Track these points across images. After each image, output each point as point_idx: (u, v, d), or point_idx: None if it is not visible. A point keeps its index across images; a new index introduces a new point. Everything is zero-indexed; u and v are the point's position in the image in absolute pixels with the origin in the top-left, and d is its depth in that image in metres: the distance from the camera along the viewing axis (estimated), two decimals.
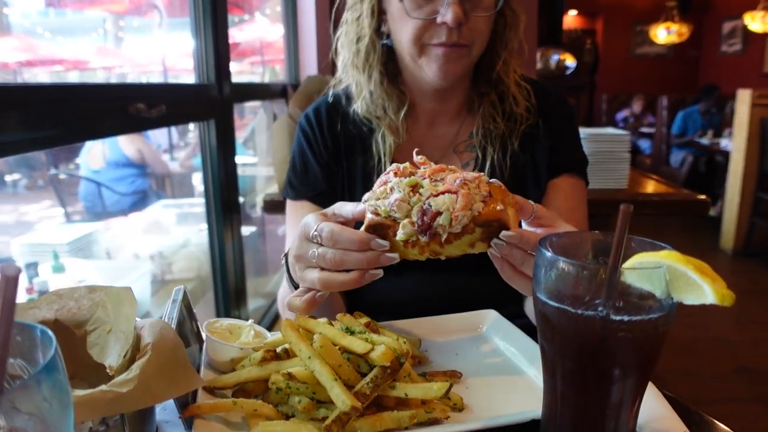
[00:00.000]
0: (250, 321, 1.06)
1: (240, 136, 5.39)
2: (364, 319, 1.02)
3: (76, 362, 0.89)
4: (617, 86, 11.72)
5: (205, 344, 1.02)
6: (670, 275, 0.66)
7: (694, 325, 5.12)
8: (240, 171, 4.25)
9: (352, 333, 0.92)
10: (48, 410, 0.45)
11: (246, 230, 4.29)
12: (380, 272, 0.96)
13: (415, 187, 0.93)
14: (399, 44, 1.40)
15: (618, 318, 0.67)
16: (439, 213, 0.89)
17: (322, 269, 0.98)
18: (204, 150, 2.80)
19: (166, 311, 0.97)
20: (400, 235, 0.91)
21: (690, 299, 0.65)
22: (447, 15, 1.28)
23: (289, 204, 1.57)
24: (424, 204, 0.90)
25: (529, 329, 1.22)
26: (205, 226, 3.01)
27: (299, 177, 1.55)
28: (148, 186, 5.66)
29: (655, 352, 0.72)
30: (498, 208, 0.89)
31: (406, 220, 0.91)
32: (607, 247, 0.73)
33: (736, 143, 6.97)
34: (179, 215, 4.00)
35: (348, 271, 0.96)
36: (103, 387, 0.68)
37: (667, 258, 0.66)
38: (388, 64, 1.48)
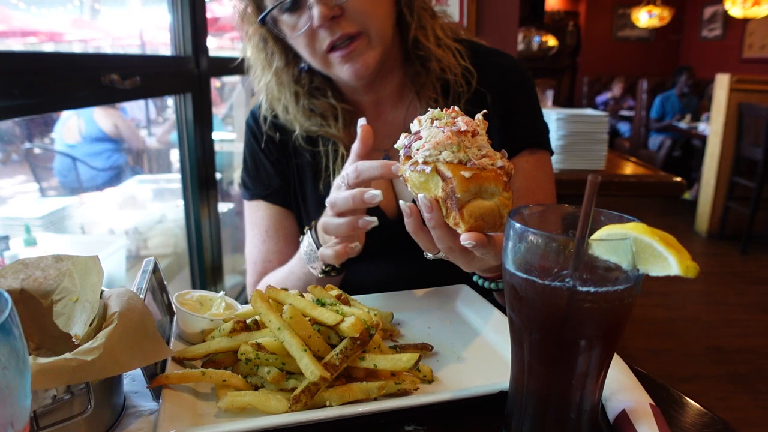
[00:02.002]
0: (222, 293, 1.06)
1: (220, 112, 5.33)
2: (335, 291, 1.02)
3: (43, 332, 0.88)
4: (599, 69, 11.76)
5: (175, 316, 1.01)
6: (636, 247, 0.66)
7: (668, 305, 5.22)
8: (218, 147, 4.20)
9: (323, 305, 0.92)
10: (2, 375, 0.44)
11: (223, 207, 4.25)
12: (373, 220, 1.03)
13: (434, 120, 0.95)
14: (311, 65, 1.36)
15: (584, 289, 0.67)
16: (419, 138, 0.91)
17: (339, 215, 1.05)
18: (180, 124, 2.76)
19: (135, 282, 0.95)
20: (397, 143, 0.95)
21: (655, 271, 0.66)
22: (314, 17, 1.22)
23: (246, 205, 1.56)
24: (421, 129, 0.93)
25: (497, 304, 1.23)
26: (181, 202, 2.98)
27: (252, 177, 1.53)
28: (124, 161, 5.57)
29: (620, 323, 0.72)
30: (463, 173, 0.86)
31: (403, 135, 0.95)
32: (577, 220, 0.74)
33: (713, 127, 7.05)
34: (156, 191, 3.95)
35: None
36: (67, 355, 0.67)
37: (634, 230, 0.66)
38: (313, 81, 1.43)
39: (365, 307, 0.97)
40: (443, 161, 0.88)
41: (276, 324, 0.84)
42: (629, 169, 3.72)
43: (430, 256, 1.02)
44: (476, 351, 1.05)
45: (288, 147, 1.49)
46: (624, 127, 10.79)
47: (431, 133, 0.90)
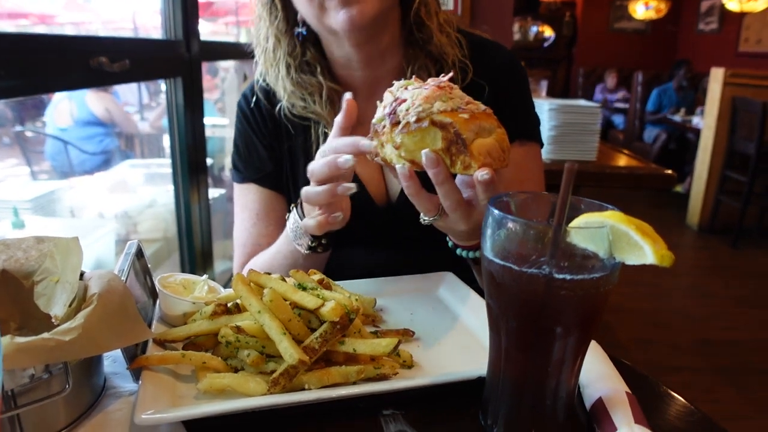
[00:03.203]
0: (205, 276, 1.06)
1: (212, 97, 5.30)
2: (317, 276, 1.02)
3: (25, 313, 0.88)
4: (595, 60, 11.75)
5: (158, 298, 1.01)
6: (612, 235, 0.67)
7: (656, 296, 5.26)
8: (209, 132, 4.19)
9: (304, 289, 0.93)
10: None
11: (214, 192, 4.25)
12: (352, 186, 1.04)
13: (406, 88, 0.97)
14: (305, 17, 1.33)
15: (561, 276, 0.68)
16: (404, 101, 0.92)
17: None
18: (171, 109, 2.75)
19: (118, 264, 0.96)
20: (375, 119, 0.96)
21: (631, 259, 0.66)
22: None
23: (236, 187, 1.55)
24: (400, 94, 0.94)
25: (482, 294, 1.24)
26: (172, 186, 2.98)
27: (244, 159, 1.52)
28: (116, 146, 5.54)
29: (597, 311, 0.73)
30: (462, 116, 0.88)
31: (381, 105, 0.96)
32: (570, 211, 0.75)
33: (707, 121, 7.06)
34: (146, 175, 3.94)
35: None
36: (45, 335, 0.68)
37: (611, 218, 0.67)
38: (306, 54, 1.42)
39: (347, 292, 0.97)
40: (437, 112, 0.89)
41: (256, 307, 0.85)
42: (621, 160, 3.73)
43: (426, 219, 1.03)
44: (457, 337, 1.06)
45: (281, 130, 1.49)
46: (618, 119, 10.80)
47: (416, 93, 0.91)
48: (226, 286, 1.08)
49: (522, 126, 1.46)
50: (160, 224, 3.26)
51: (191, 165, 3.02)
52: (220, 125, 4.74)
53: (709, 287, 5.70)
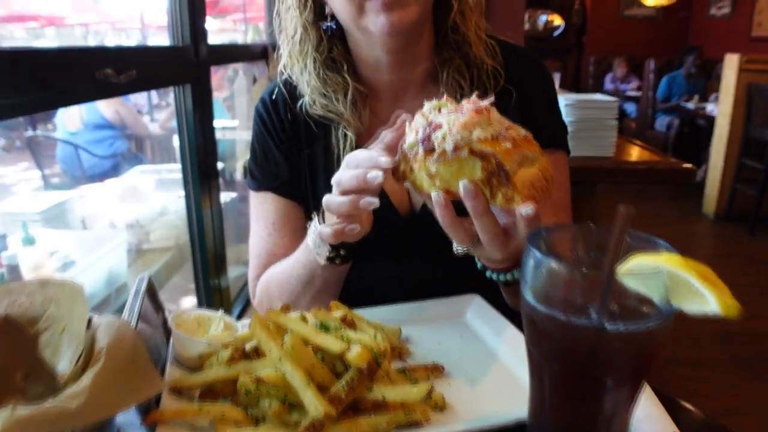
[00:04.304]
0: (220, 311, 1.00)
1: (221, 95, 5.24)
2: (340, 312, 0.96)
3: (31, 361, 0.83)
4: (605, 48, 11.57)
5: (171, 338, 0.96)
6: (670, 281, 0.60)
7: None
8: (219, 135, 4.14)
9: (327, 329, 0.87)
10: None
11: (226, 196, 4.20)
12: (375, 201, 0.98)
13: (440, 109, 0.91)
14: (339, 15, 1.28)
15: (613, 328, 0.62)
16: (439, 126, 0.86)
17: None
18: (180, 116, 2.69)
19: (128, 304, 0.90)
20: (406, 143, 0.91)
21: (691, 307, 0.60)
22: None
23: (253, 196, 1.49)
24: (434, 118, 0.89)
25: (511, 314, 1.19)
26: (183, 193, 2.93)
27: (261, 167, 1.46)
28: (127, 148, 5.52)
29: (650, 360, 0.67)
30: (505, 145, 0.82)
31: (414, 130, 0.90)
32: (602, 242, 0.68)
33: (722, 108, 6.93)
34: (157, 181, 3.89)
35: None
36: (50, 402, 0.62)
37: (668, 262, 0.60)
38: (332, 50, 1.37)
39: (372, 329, 0.91)
40: (477, 140, 0.83)
41: (277, 354, 0.79)
42: (638, 154, 3.64)
43: (460, 250, 0.98)
44: (489, 371, 1.00)
45: (300, 136, 1.43)
46: (630, 108, 10.64)
47: (452, 119, 0.85)
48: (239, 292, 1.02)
49: (550, 134, 1.41)
50: (171, 232, 3.21)
51: (202, 170, 2.97)
52: (230, 127, 4.68)
53: (727, 276, 5.38)
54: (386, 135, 0.99)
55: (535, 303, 0.66)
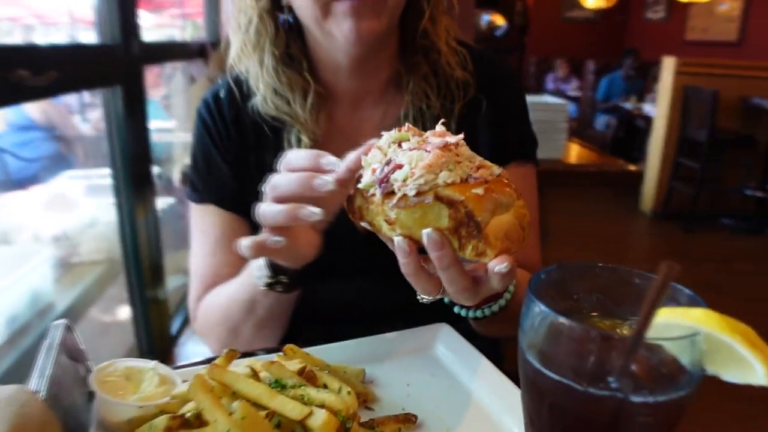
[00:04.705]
0: (154, 363, 0.85)
1: (158, 94, 4.97)
2: (297, 362, 0.82)
3: None
4: (546, 49, 11.76)
5: (95, 399, 0.80)
6: (708, 345, 0.50)
7: None
8: (156, 137, 3.90)
9: (283, 387, 0.73)
10: None
11: (163, 202, 3.96)
12: (317, 212, 0.83)
13: (401, 143, 0.79)
14: (300, 11, 1.16)
15: (640, 399, 0.51)
16: (400, 167, 0.74)
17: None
18: (109, 119, 2.48)
19: (37, 364, 0.74)
20: (362, 182, 0.79)
21: (732, 375, 0.50)
22: None
23: (194, 208, 1.33)
24: (394, 155, 0.76)
25: (480, 339, 1.09)
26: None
27: (202, 177, 1.31)
28: (56, 151, 5.17)
29: (674, 430, 0.57)
30: (476, 191, 0.71)
31: (371, 168, 0.78)
32: (611, 284, 0.59)
33: (659, 109, 7.13)
34: (88, 188, 3.62)
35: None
36: None
37: (705, 322, 0.50)
38: (290, 46, 1.23)
39: (336, 381, 0.79)
40: (443, 184, 0.71)
41: (224, 425, 0.65)
42: (586, 156, 3.64)
43: (426, 299, 0.86)
44: (467, 419, 0.89)
45: (247, 141, 1.28)
46: (571, 108, 10.84)
47: (414, 157, 0.73)
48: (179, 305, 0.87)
49: (520, 146, 1.33)
50: (103, 244, 2.97)
51: (135, 177, 2.76)
52: (167, 129, 4.42)
53: None
54: (349, 156, 0.86)
55: (541, 367, 0.55)
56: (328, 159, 0.84)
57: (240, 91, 1.29)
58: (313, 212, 0.83)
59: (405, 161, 0.73)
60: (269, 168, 1.30)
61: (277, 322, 1.18)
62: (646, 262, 5.90)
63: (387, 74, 1.28)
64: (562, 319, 0.54)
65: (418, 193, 0.71)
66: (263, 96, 1.24)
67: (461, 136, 0.77)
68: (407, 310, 1.17)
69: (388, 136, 0.79)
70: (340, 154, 1.32)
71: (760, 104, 6.52)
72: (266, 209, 0.88)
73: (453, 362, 1.03)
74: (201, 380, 0.70)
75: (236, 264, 1.30)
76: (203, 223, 1.32)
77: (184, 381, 0.83)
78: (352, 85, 1.27)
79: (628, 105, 9.01)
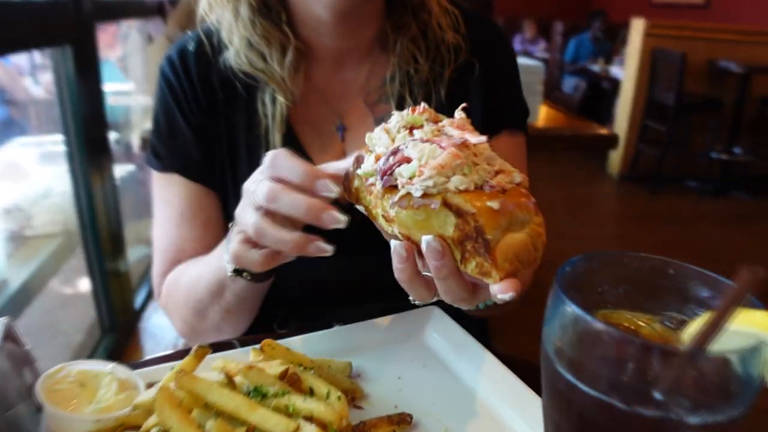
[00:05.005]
0: (111, 366, 0.74)
1: (114, 55, 4.71)
2: (278, 364, 0.72)
3: None
4: (514, 9, 11.60)
5: (43, 414, 0.69)
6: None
7: (584, 249, 5.26)
8: (112, 100, 3.69)
9: (264, 396, 0.64)
10: None
11: (122, 170, 3.78)
12: (329, 250, 0.77)
13: (413, 129, 0.70)
14: None
15: (696, 421, 0.43)
16: (408, 160, 0.65)
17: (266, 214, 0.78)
18: (59, 82, 2.30)
19: None
20: (362, 168, 0.71)
21: None
22: None
23: (156, 177, 1.20)
24: (403, 144, 0.66)
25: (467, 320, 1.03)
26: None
27: (165, 142, 1.18)
28: (6, 116, 4.89)
29: None
30: (490, 205, 0.61)
31: (374, 154, 0.70)
32: (641, 274, 0.51)
33: (627, 72, 7.10)
34: (41, 156, 3.41)
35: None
36: None
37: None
38: None
39: (323, 384, 0.69)
40: (454, 190, 0.62)
41: None
42: (562, 121, 3.57)
43: (418, 303, 0.77)
44: (465, 414, 0.81)
45: (217, 104, 1.16)
46: None
47: (425, 151, 0.64)
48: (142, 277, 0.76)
49: (512, 115, 1.25)
50: (58, 216, 2.81)
51: (90, 143, 2.60)
52: (125, 92, 4.19)
53: (633, 236, 5.79)
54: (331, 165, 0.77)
55: (576, 382, 0.47)
56: (324, 184, 0.75)
57: (210, 44, 1.16)
58: (325, 249, 0.78)
59: (414, 155, 0.64)
60: (241, 134, 1.18)
61: (247, 309, 1.09)
62: (613, 225, 5.97)
63: (372, 32, 1.17)
64: (601, 325, 0.45)
65: (425, 195, 0.62)
66: (236, 50, 1.12)
67: (484, 138, 0.66)
68: (391, 288, 1.09)
69: (398, 118, 0.70)
70: (318, 117, 1.21)
71: (726, 67, 6.54)
72: (271, 232, 0.78)
73: (446, 350, 0.95)
74: (167, 394, 0.60)
75: (201, 238, 1.19)
76: (167, 193, 1.20)
77: (148, 384, 0.73)
78: (334, 43, 1.15)
79: (596, 67, 8.97)
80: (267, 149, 1.16)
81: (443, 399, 0.84)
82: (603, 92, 8.81)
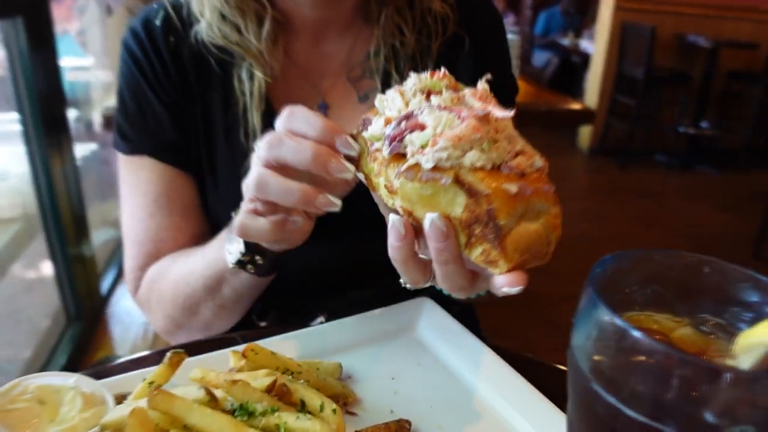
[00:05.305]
0: (74, 377, 0.66)
1: (72, 28, 4.48)
2: (264, 375, 0.64)
3: None
4: None
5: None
6: None
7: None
8: (72, 76, 3.50)
9: (251, 415, 0.57)
10: None
11: (84, 149, 3.62)
12: (337, 204, 0.70)
13: (430, 94, 0.63)
14: None
15: None
16: (421, 127, 0.58)
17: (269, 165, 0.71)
18: (12, 56, 2.15)
19: None
20: (368, 131, 0.65)
21: None
22: None
23: (124, 161, 1.11)
24: (418, 110, 0.60)
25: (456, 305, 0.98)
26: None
27: (133, 122, 1.08)
28: None
29: None
30: (507, 188, 0.55)
31: (384, 116, 0.64)
32: (673, 273, 0.45)
33: (597, 46, 7.10)
34: None
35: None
36: None
37: None
38: None
39: (315, 395, 0.62)
40: (470, 167, 0.55)
41: None
42: (538, 96, 3.53)
43: (410, 286, 0.70)
44: (465, 416, 0.75)
45: (189, 79, 1.07)
46: None
47: (442, 120, 0.57)
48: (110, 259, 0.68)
49: (503, 93, 1.15)
50: (16, 199, 2.66)
51: (47, 122, 2.46)
52: (84, 67, 3.98)
53: (603, 210, 5.83)
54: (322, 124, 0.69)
55: (620, 405, 0.41)
56: (345, 140, 0.67)
57: (179, 17, 1.06)
58: (333, 203, 0.70)
59: (430, 122, 0.57)
60: (217, 111, 1.09)
61: (243, 305, 1.02)
62: (583, 199, 6.00)
63: (354, 1, 1.08)
64: (648, 340, 0.39)
65: (435, 168, 0.55)
66: (209, 22, 1.02)
67: (511, 112, 0.59)
68: (377, 274, 1.03)
69: (415, 80, 0.63)
70: (299, 94, 1.12)
71: (695, 41, 6.57)
72: (274, 182, 0.70)
73: (441, 346, 0.88)
74: (140, 416, 0.52)
75: (182, 227, 1.10)
76: (137, 178, 1.10)
77: (117, 398, 0.66)
78: (313, 13, 1.06)
79: (566, 41, 8.96)
80: (246, 129, 1.08)
81: (441, 401, 0.78)
82: (573, 66, 8.81)
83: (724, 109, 6.98)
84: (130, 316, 2.96)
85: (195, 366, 0.70)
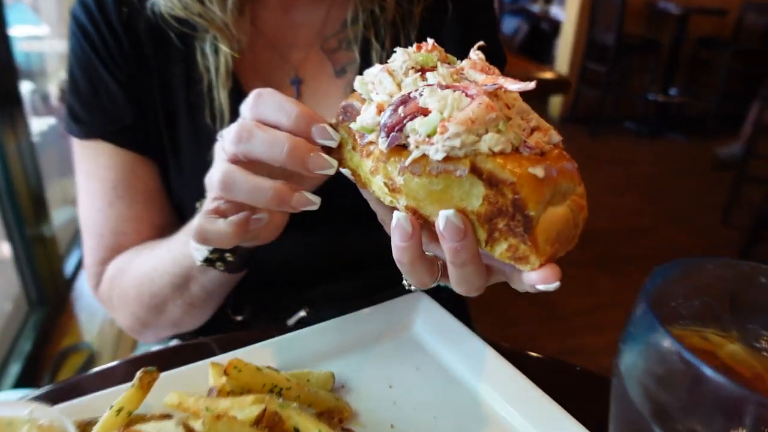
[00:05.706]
0: (30, 408, 0.57)
1: None
2: (253, 402, 0.56)
3: None
4: None
5: None
6: None
7: None
8: (25, 46, 3.30)
9: None
10: None
11: (41, 123, 3.43)
12: (316, 201, 0.62)
13: (424, 71, 0.54)
14: None
15: None
16: (424, 112, 0.50)
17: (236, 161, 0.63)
18: None
19: None
20: (357, 122, 0.55)
21: None
22: None
23: (78, 145, 1.00)
24: (415, 91, 0.51)
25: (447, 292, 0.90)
26: None
27: (86, 102, 0.97)
28: None
29: None
30: (533, 172, 0.47)
31: (375, 103, 0.54)
32: (725, 283, 0.40)
33: (568, 13, 7.06)
34: None
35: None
36: None
37: None
38: None
39: (311, 420, 0.55)
40: (488, 152, 0.47)
41: None
42: (516, 65, 3.46)
43: (413, 288, 0.63)
44: (472, 426, 0.69)
45: (146, 54, 0.96)
46: None
47: (449, 101, 0.48)
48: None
49: (491, 63, 1.07)
50: None
51: None
52: (38, 36, 3.75)
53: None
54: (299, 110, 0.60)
55: None
56: (322, 129, 0.58)
57: None
58: (310, 201, 0.61)
59: (434, 105, 0.48)
60: (179, 91, 0.99)
61: (214, 301, 0.94)
62: None
63: None
64: (721, 379, 0.33)
65: (447, 158, 0.47)
66: None
67: (531, 85, 0.51)
68: (371, 269, 0.96)
69: (404, 56, 0.54)
70: (269, 68, 1.01)
71: (665, 8, 6.56)
72: (242, 180, 0.62)
73: (441, 348, 0.81)
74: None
75: (144, 216, 1.01)
76: (93, 165, 1.00)
77: (82, 425, 0.57)
78: None
79: (535, 7, 8.87)
80: (211, 108, 0.98)
81: (445, 411, 0.71)
82: (542, 33, 8.74)
83: (693, 75, 7.03)
84: (96, 301, 2.85)
85: (169, 382, 0.62)
